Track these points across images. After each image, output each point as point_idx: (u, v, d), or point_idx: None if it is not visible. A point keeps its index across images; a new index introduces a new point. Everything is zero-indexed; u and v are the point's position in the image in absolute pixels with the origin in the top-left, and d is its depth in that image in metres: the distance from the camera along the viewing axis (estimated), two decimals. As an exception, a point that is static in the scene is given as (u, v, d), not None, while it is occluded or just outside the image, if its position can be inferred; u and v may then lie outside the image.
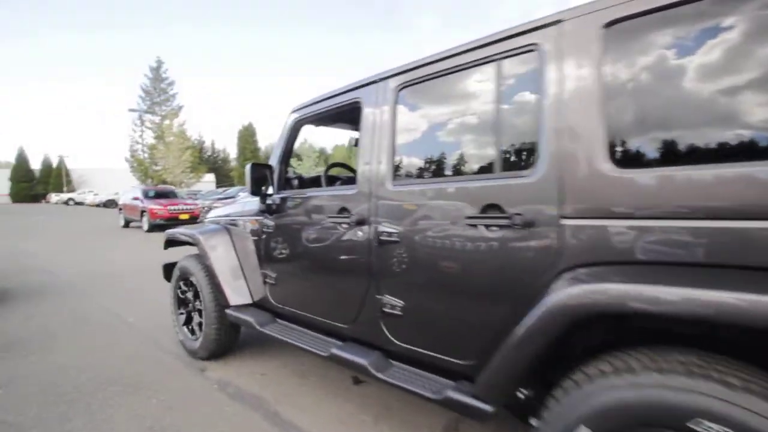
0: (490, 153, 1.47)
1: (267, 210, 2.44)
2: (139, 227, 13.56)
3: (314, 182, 2.75)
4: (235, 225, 2.83)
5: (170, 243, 3.27)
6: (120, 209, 15.03)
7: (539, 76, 1.32)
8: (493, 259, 1.38)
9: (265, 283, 2.54)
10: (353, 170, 2.91)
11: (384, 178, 1.77)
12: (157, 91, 33.65)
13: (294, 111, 2.42)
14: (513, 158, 1.42)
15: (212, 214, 3.28)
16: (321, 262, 2.12)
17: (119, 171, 38.71)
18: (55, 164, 54.56)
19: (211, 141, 65.33)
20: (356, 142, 3.00)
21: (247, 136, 52.30)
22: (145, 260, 7.09)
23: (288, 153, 2.50)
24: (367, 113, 1.90)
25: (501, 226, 1.36)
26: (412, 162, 1.76)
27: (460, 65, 1.55)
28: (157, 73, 33.93)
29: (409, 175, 1.75)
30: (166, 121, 28.69)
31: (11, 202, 49.14)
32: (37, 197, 50.81)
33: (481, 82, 1.51)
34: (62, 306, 4.33)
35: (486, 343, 1.41)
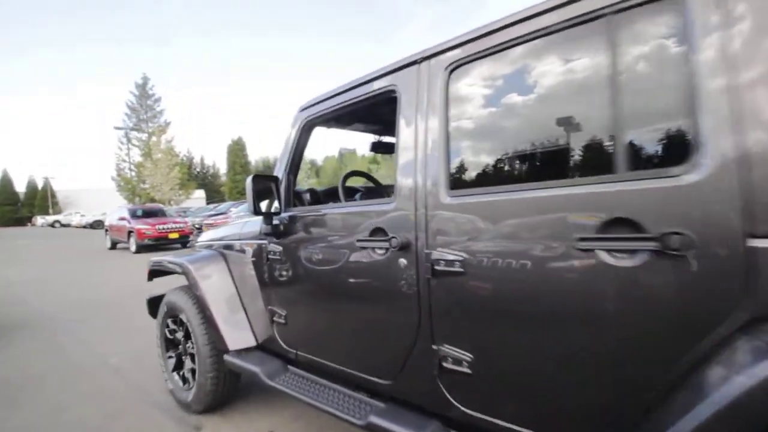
0: (605, 144, 1.03)
1: (273, 232, 1.98)
2: (127, 248, 12.94)
3: (330, 196, 2.30)
4: (232, 250, 2.36)
5: (155, 273, 2.78)
6: (106, 230, 14.39)
7: (689, 26, 0.89)
8: (623, 301, 0.94)
9: (272, 321, 2.07)
10: (373, 179, 2.46)
11: (436, 188, 1.32)
12: (144, 108, 33.02)
13: (302, 109, 1.98)
14: (647, 150, 0.98)
15: (204, 237, 2.80)
16: (348, 298, 1.66)
17: (106, 191, 37.85)
18: (40, 186, 53.41)
19: (200, 157, 64.51)
20: (374, 147, 2.58)
21: (237, 150, 51.70)
22: (132, 284, 6.54)
23: (297, 162, 2.05)
24: (407, 104, 1.46)
25: (640, 252, 0.92)
26: (478, 163, 1.32)
27: (552, 26, 1.11)
28: (143, 90, 33.35)
29: (473, 182, 1.31)
30: (153, 138, 28.08)
31: (-5, 227, 47.75)
32: (22, 220, 49.57)
33: (589, 46, 1.07)
34: (34, 346, 3.78)
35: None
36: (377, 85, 1.59)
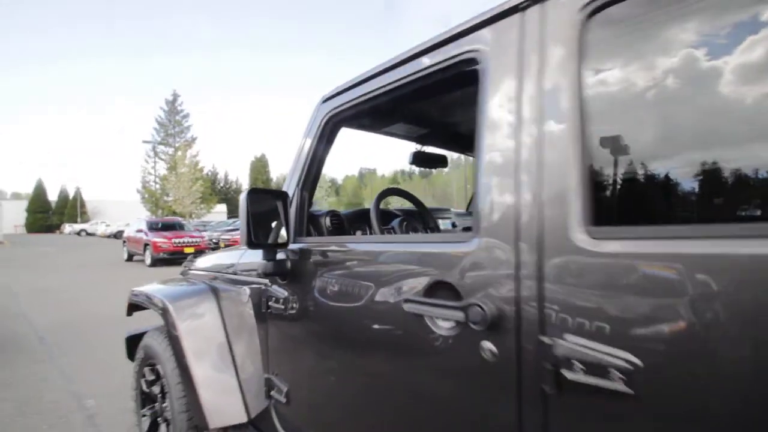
0: None
1: (276, 271, 1.41)
2: (143, 261, 12.69)
3: (357, 222, 1.74)
4: (226, 287, 1.80)
5: (135, 307, 2.25)
6: (124, 242, 14.25)
7: None
8: None
9: (269, 396, 1.48)
10: (417, 201, 1.88)
11: (565, 220, 0.73)
12: (172, 123, 33.88)
13: (325, 100, 1.44)
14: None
15: (199, 264, 2.26)
16: (382, 388, 1.07)
17: (132, 202, 38.66)
18: (71, 195, 55.21)
19: (225, 172, 65.74)
20: (416, 159, 2.02)
21: (259, 167, 52.44)
22: (135, 305, 6.07)
23: (315, 174, 1.49)
24: (500, 76, 0.89)
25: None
26: (651, 179, 0.73)
27: None
28: (172, 106, 34.30)
29: (645, 213, 0.74)
30: (179, 153, 28.53)
31: (26, 233, 49.35)
32: (52, 227, 51.08)
33: None
34: (9, 376, 3.28)
35: None
36: (443, 55, 1.03)
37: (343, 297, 1.19)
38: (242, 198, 1.26)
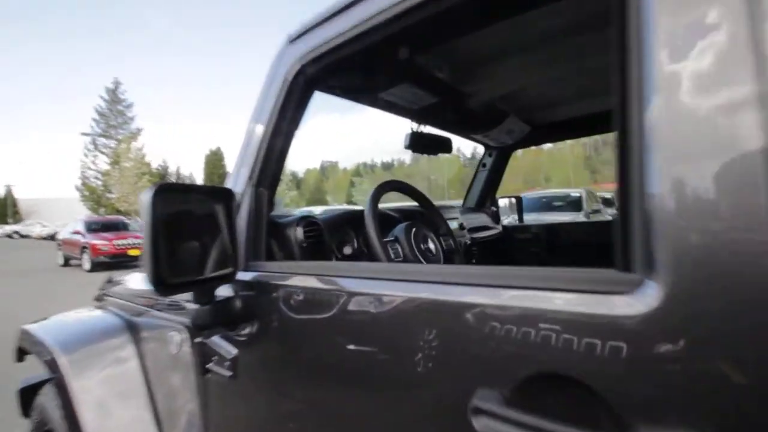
0: None
1: (217, 319, 0.86)
2: (80, 266, 11.38)
3: (343, 228, 1.20)
4: (157, 318, 1.22)
5: (25, 351, 1.60)
6: (59, 245, 12.76)
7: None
8: None
9: None
10: (421, 196, 1.34)
11: None
12: (114, 114, 31.15)
13: (294, 40, 0.89)
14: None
15: (123, 286, 1.62)
16: None
17: (72, 200, 35.45)
18: (2, 194, 50.14)
19: (176, 167, 61.85)
20: (413, 143, 1.50)
21: (215, 161, 49.81)
22: (63, 322, 5.18)
23: (279, 158, 0.94)
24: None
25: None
26: None
27: None
28: (114, 95, 31.51)
29: None
30: (123, 145, 26.26)
31: (-54, 237, 44.24)
32: (-23, 230, 46.11)
33: None
34: None
35: None
36: None
37: (337, 377, 0.68)
38: (145, 202, 0.70)
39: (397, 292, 0.61)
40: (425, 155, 1.69)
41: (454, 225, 1.72)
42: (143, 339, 1.25)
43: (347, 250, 1.09)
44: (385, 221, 1.21)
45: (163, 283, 0.71)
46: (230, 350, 0.93)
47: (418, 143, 1.51)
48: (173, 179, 56.78)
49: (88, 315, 1.54)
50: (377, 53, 0.90)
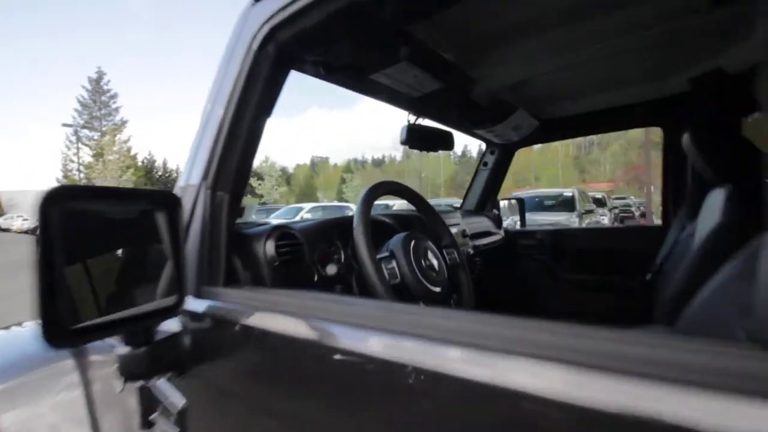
0: None
1: (160, 363, 0.65)
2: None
3: (325, 238, 0.96)
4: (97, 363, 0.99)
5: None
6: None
7: None
8: None
9: None
10: (422, 203, 1.11)
11: None
12: (97, 105, 30.23)
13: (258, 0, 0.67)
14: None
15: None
16: None
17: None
18: (-22, 186, 48.58)
19: (163, 160, 60.51)
20: (409, 137, 1.29)
21: (202, 155, 48.86)
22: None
23: (245, 151, 0.73)
24: None
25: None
26: None
27: None
28: (97, 86, 30.57)
29: None
30: (107, 137, 25.51)
31: None
32: (-45, 223, 44.66)
33: None
34: None
35: None
36: None
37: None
38: (38, 212, 0.48)
39: (411, 358, 0.40)
40: (418, 152, 1.49)
41: (454, 231, 1.52)
42: (87, 365, 1.03)
43: (331, 270, 0.88)
44: (377, 230, 1.01)
45: (61, 331, 0.50)
46: (177, 400, 0.72)
47: (415, 137, 1.31)
48: (160, 173, 55.63)
49: (24, 332, 1.32)
50: (369, 18, 0.69)
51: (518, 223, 2.50)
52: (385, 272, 0.82)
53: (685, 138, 1.43)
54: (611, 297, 1.70)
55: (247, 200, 0.93)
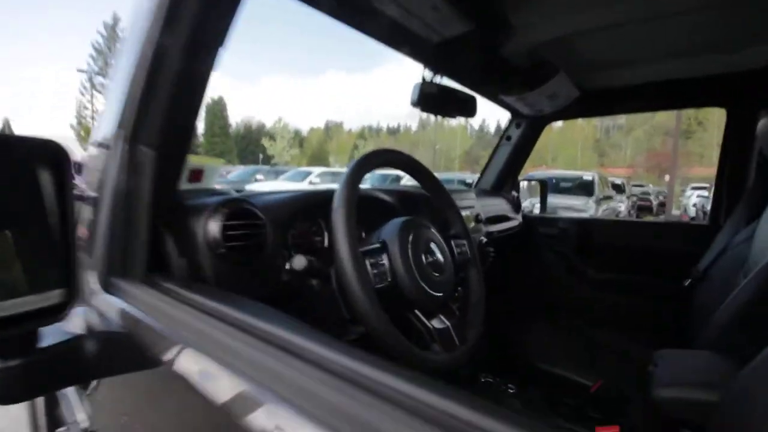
0: None
1: (46, 379, 0.47)
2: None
3: (301, 219, 0.74)
4: None
5: None
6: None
7: None
8: None
9: None
10: (429, 178, 0.87)
11: None
12: (113, 51, 29.71)
13: None
14: None
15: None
16: None
17: (68, 139, 34.65)
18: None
19: (178, 113, 59.78)
20: (421, 98, 1.05)
21: (216, 111, 48.45)
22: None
23: (182, 93, 0.51)
24: None
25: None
26: None
27: None
28: (113, 32, 29.97)
29: None
30: (120, 86, 25.14)
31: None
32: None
33: None
34: None
35: None
36: None
37: None
38: None
39: None
40: (433, 123, 1.25)
41: (466, 214, 1.30)
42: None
43: (299, 264, 0.67)
44: (373, 211, 0.79)
45: None
46: (81, 418, 0.54)
47: (429, 98, 1.07)
48: (173, 126, 55.14)
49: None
50: None
51: (536, 206, 2.27)
52: (369, 270, 0.62)
53: (764, 123, 1.16)
54: (640, 302, 1.48)
55: (206, 160, 0.70)
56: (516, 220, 1.66)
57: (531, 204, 2.62)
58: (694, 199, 13.16)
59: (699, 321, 1.10)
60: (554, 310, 1.54)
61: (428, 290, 0.67)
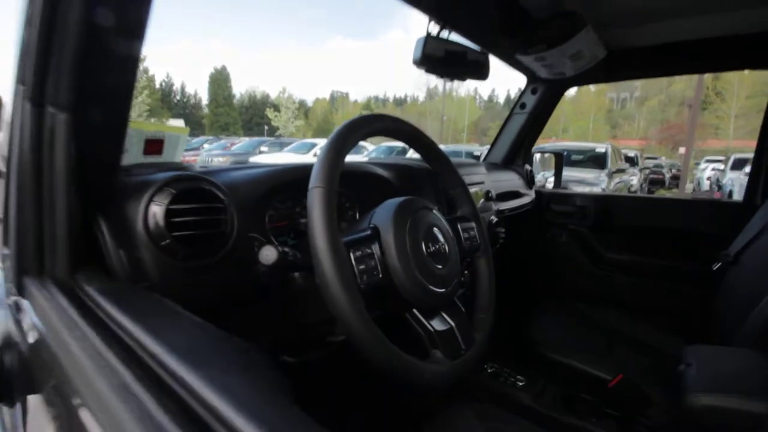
0: None
1: None
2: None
3: (269, 198, 0.61)
4: None
5: None
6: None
7: None
8: None
9: None
10: (433, 150, 0.74)
11: None
12: None
13: None
14: None
15: None
16: None
17: None
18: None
19: (181, 83, 59.03)
20: (424, 57, 0.91)
21: (219, 81, 47.60)
22: None
23: (109, 42, 0.39)
24: None
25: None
26: None
27: None
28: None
29: None
30: (122, 54, 24.51)
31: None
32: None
33: None
34: None
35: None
36: None
37: None
38: None
39: None
40: (441, 94, 1.11)
41: (475, 190, 1.17)
42: None
43: (268, 257, 0.54)
44: (364, 188, 0.66)
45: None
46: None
47: (434, 57, 0.92)
48: (178, 97, 54.63)
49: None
50: None
51: (549, 180, 2.12)
52: (355, 264, 0.50)
53: None
54: (663, 287, 1.37)
55: (167, 129, 0.58)
56: (528, 197, 1.52)
57: (544, 177, 2.47)
58: (708, 173, 12.76)
59: (730, 311, 0.98)
60: (568, 294, 1.43)
61: (429, 287, 0.55)
